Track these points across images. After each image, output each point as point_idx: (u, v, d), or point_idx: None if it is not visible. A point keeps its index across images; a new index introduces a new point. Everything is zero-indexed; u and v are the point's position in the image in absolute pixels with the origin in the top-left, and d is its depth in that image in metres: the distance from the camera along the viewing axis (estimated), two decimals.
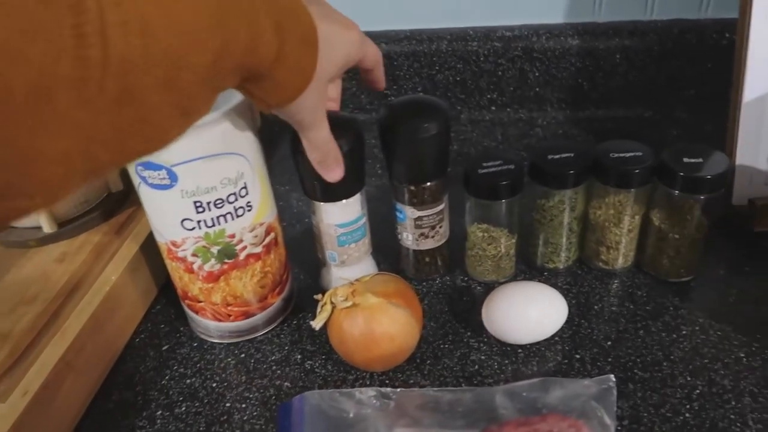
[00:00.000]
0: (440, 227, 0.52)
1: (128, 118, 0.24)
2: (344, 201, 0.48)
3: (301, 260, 0.57)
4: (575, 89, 0.75)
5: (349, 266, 0.52)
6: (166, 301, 0.55)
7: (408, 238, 0.52)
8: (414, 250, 0.53)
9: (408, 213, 0.50)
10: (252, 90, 0.34)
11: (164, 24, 0.24)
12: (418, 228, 0.51)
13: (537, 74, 0.75)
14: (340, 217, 0.49)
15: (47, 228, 0.55)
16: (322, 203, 0.48)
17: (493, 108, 0.78)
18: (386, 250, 0.56)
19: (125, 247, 0.53)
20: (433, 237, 0.52)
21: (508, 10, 0.74)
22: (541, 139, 0.73)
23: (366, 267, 0.54)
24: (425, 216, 0.50)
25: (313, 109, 0.39)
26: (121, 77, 0.23)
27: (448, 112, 0.48)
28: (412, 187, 0.49)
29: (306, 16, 0.35)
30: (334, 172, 0.44)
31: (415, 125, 0.46)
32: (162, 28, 0.24)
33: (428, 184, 0.49)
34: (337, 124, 0.43)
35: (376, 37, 0.76)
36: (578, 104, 0.76)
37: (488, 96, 0.78)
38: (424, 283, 0.54)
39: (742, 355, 0.44)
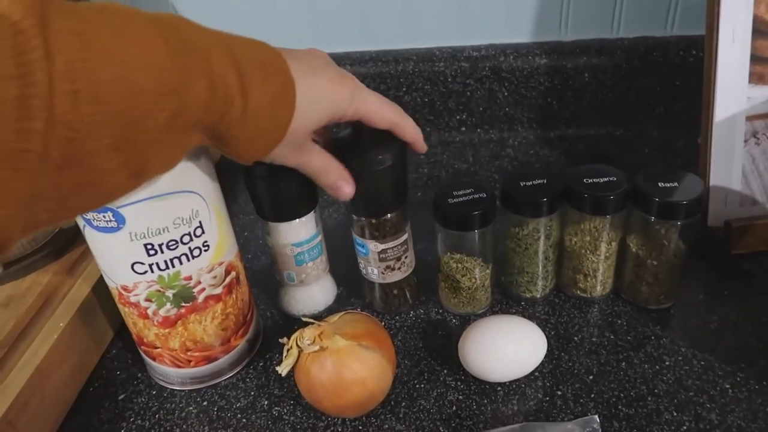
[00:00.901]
0: (405, 257, 0.50)
1: (72, 181, 0.24)
2: (298, 220, 0.47)
3: (270, 294, 0.54)
4: (545, 108, 0.74)
5: (308, 285, 0.51)
6: (123, 345, 0.51)
7: (373, 272, 0.49)
8: (380, 284, 0.51)
9: (371, 247, 0.48)
10: (221, 146, 0.33)
11: (117, 89, 0.24)
12: (383, 261, 0.49)
13: (506, 94, 0.74)
14: (296, 236, 0.48)
15: None
16: (276, 223, 0.47)
17: (463, 129, 0.77)
18: (352, 284, 0.54)
19: (76, 289, 0.50)
20: (399, 269, 0.50)
21: (474, 29, 0.73)
22: (512, 159, 0.72)
23: (324, 285, 0.53)
24: (389, 248, 0.48)
25: (293, 155, 0.38)
26: (66, 145, 0.22)
27: (403, 141, 0.44)
28: (373, 221, 0.47)
29: (282, 72, 0.33)
30: (342, 190, 0.41)
31: (370, 157, 0.43)
32: (114, 94, 0.24)
33: (389, 216, 0.47)
34: None
35: (340, 58, 0.74)
36: (549, 124, 0.75)
37: (457, 117, 0.76)
38: (397, 318, 0.51)
39: (728, 386, 0.43)
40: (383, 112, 0.41)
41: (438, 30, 0.73)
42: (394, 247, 0.48)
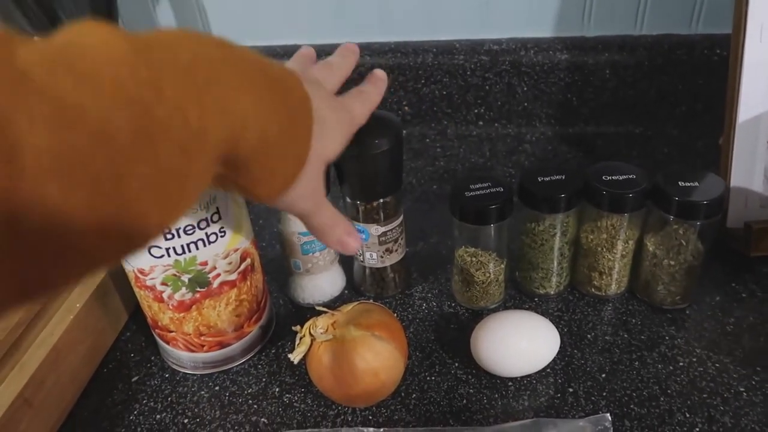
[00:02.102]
0: (401, 239, 0.51)
1: (34, 254, 0.19)
2: None
3: (282, 282, 0.55)
4: (564, 104, 0.74)
5: (315, 274, 0.51)
6: (137, 327, 0.52)
7: (372, 257, 0.50)
8: (375, 269, 0.51)
9: (372, 231, 0.48)
10: (236, 181, 0.29)
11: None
12: (383, 244, 0.49)
13: (525, 89, 0.73)
14: (302, 225, 0.47)
15: None
16: (284, 211, 0.46)
17: (481, 123, 0.76)
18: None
19: None
20: (396, 250, 0.51)
21: (496, 23, 0.72)
22: (530, 155, 0.71)
23: (332, 276, 0.53)
24: (389, 230, 0.49)
25: (312, 197, 0.34)
26: (8, 214, 0.17)
27: (399, 125, 0.46)
28: (374, 204, 0.47)
29: (298, 91, 0.30)
30: (349, 246, 0.37)
31: (370, 141, 0.43)
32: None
33: (389, 198, 0.47)
34: None
35: (360, 49, 0.74)
36: (567, 120, 0.74)
37: (475, 111, 0.75)
38: (409, 310, 0.51)
39: (742, 389, 0.42)
40: (371, 107, 0.41)
41: (458, 22, 0.73)
42: (393, 228, 0.49)
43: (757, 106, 0.51)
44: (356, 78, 0.76)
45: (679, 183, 0.45)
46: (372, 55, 0.74)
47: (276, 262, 0.56)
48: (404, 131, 0.77)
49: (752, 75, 0.50)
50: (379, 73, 0.43)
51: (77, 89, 0.19)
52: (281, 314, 0.53)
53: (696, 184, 0.45)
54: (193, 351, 0.46)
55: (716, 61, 0.68)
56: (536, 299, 0.51)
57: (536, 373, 0.44)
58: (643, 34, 0.71)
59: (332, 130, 0.35)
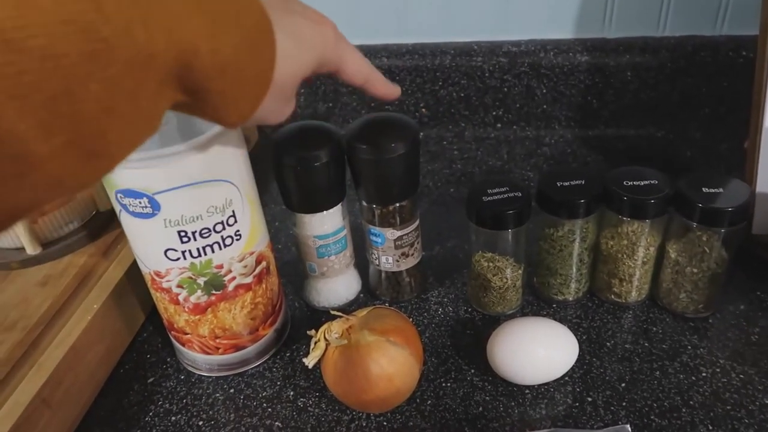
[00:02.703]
0: (417, 243, 0.50)
1: None
2: (323, 213, 0.47)
3: (298, 285, 0.55)
4: (584, 107, 0.72)
5: (330, 278, 0.51)
6: (154, 329, 0.52)
7: (388, 261, 0.49)
8: (390, 273, 0.51)
9: (387, 235, 0.48)
10: (200, 110, 0.28)
11: (20, 51, 0.19)
12: (398, 248, 0.49)
13: (544, 91, 0.72)
14: (319, 229, 0.48)
15: (30, 250, 0.52)
16: (300, 214, 0.47)
17: (499, 125, 0.75)
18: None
19: (111, 271, 0.51)
20: (413, 255, 0.50)
21: (515, 24, 0.71)
22: (548, 158, 0.70)
23: (347, 279, 0.53)
24: (405, 234, 0.48)
25: (281, 111, 0.34)
26: None
27: (416, 129, 0.46)
28: (390, 208, 0.47)
29: (255, 10, 0.29)
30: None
31: (385, 145, 0.43)
32: (19, 60, 0.19)
33: (405, 202, 0.47)
34: (320, 133, 0.45)
35: (377, 50, 0.74)
36: (587, 123, 0.73)
37: (494, 113, 0.75)
38: (425, 314, 0.51)
39: None
40: (362, 63, 0.39)
41: (477, 24, 0.72)
42: (409, 232, 0.49)
43: None
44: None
45: (703, 189, 0.44)
46: (390, 57, 0.73)
47: (292, 265, 0.56)
48: (421, 134, 0.77)
49: None
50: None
51: (19, 12, 0.19)
52: (297, 317, 0.52)
53: (720, 190, 0.44)
54: (208, 353, 0.46)
55: (741, 63, 0.66)
56: (554, 306, 0.51)
57: (554, 381, 0.44)
58: (666, 35, 0.69)
59: (306, 44, 0.33)
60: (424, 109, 0.76)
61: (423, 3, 0.72)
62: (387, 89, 0.41)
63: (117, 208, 0.40)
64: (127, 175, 0.37)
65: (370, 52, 0.74)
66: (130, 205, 0.38)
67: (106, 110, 0.22)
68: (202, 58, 0.25)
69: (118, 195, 0.38)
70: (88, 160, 0.22)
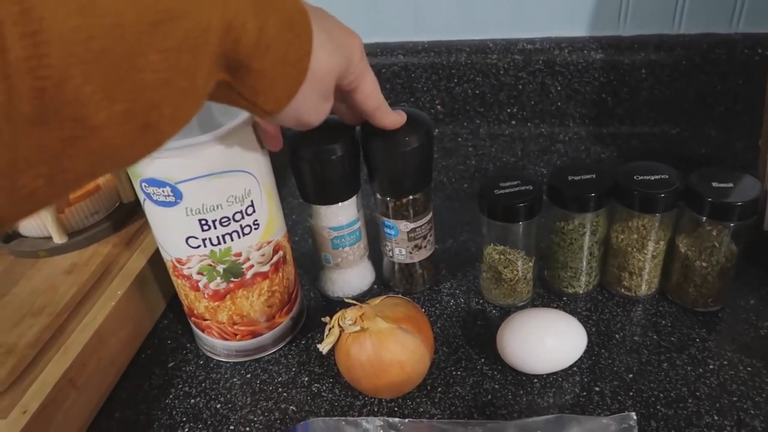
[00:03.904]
0: (430, 236, 0.52)
1: (58, 137, 0.20)
2: (338, 204, 0.48)
3: (314, 276, 0.56)
4: (599, 104, 0.73)
5: (344, 269, 0.53)
6: (174, 316, 0.54)
7: (401, 252, 0.51)
8: (404, 265, 0.52)
9: (401, 227, 0.49)
10: (240, 92, 0.29)
11: (90, 21, 0.20)
12: (411, 240, 0.50)
13: (559, 88, 0.73)
14: (334, 220, 0.49)
15: (57, 239, 0.54)
16: (316, 206, 0.49)
17: (513, 122, 0.76)
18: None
19: (134, 260, 0.52)
20: (425, 247, 0.51)
21: (529, 22, 0.72)
22: (562, 155, 0.71)
23: (361, 271, 0.54)
24: (419, 227, 0.50)
25: (317, 110, 0.35)
26: (35, 96, 0.19)
27: (430, 122, 0.47)
28: (403, 200, 0.48)
29: (290, 2, 0.30)
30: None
31: (399, 139, 0.44)
32: (87, 28, 0.20)
33: (418, 195, 0.48)
34: (336, 127, 0.45)
35: (393, 48, 0.75)
36: (602, 120, 0.74)
37: (508, 110, 0.76)
38: (437, 305, 0.52)
39: None
40: (377, 88, 0.40)
41: (492, 22, 0.73)
42: (422, 225, 0.50)
43: None
44: (390, 77, 0.77)
45: (713, 184, 0.44)
46: (406, 54, 0.75)
47: (308, 256, 0.57)
48: (436, 130, 0.78)
49: None
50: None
51: None
52: (312, 307, 0.54)
53: (731, 185, 0.44)
54: (226, 339, 0.48)
55: (757, 60, 0.66)
56: (565, 298, 0.51)
57: (562, 371, 0.44)
58: (681, 33, 0.70)
59: (339, 44, 0.34)
60: (439, 106, 0.77)
61: (439, 1, 0.73)
62: (395, 119, 0.43)
63: (141, 197, 0.41)
64: (151, 165, 0.39)
65: (386, 49, 0.75)
66: (153, 193, 0.40)
67: (164, 82, 0.23)
68: (249, 34, 0.26)
69: (143, 184, 0.40)
70: (142, 132, 0.23)
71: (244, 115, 0.40)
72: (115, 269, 0.52)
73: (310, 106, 0.34)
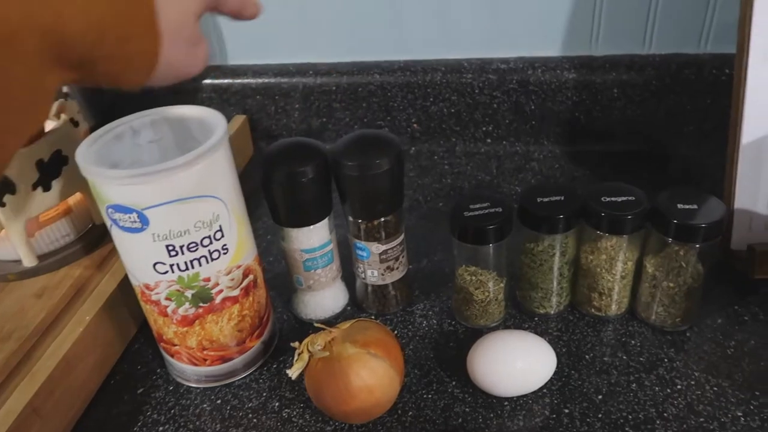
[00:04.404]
0: (403, 257, 0.52)
1: None
2: (310, 227, 0.49)
3: (288, 298, 0.56)
4: (572, 123, 0.74)
5: (317, 291, 0.52)
6: (145, 340, 0.53)
7: (374, 274, 0.51)
8: (376, 286, 0.52)
9: (373, 249, 0.49)
10: (92, 81, 0.27)
11: None
12: (384, 262, 0.50)
13: (533, 107, 0.74)
14: (305, 243, 0.49)
15: (27, 262, 0.53)
16: (288, 228, 0.49)
17: (489, 141, 0.77)
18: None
19: (104, 284, 0.52)
20: (398, 268, 0.51)
21: (503, 42, 0.73)
22: (537, 173, 0.72)
23: (334, 292, 0.54)
24: (390, 249, 0.50)
25: (190, 57, 0.32)
26: None
27: (400, 144, 0.47)
28: (375, 222, 0.48)
29: None
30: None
31: (369, 162, 0.45)
32: None
33: (390, 216, 0.48)
34: (307, 150, 0.46)
35: (370, 67, 0.75)
36: (575, 138, 0.75)
37: (483, 128, 0.76)
38: (410, 327, 0.52)
39: (740, 413, 0.42)
40: None
41: (467, 41, 0.74)
42: (395, 246, 0.50)
43: (761, 127, 0.51)
44: (366, 96, 0.77)
45: (679, 205, 0.45)
46: (382, 73, 0.75)
47: (282, 278, 0.57)
48: (413, 148, 0.78)
49: (756, 96, 0.50)
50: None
51: None
52: (285, 330, 0.54)
53: (695, 206, 0.45)
54: (196, 365, 0.47)
55: (724, 80, 0.68)
56: (536, 318, 0.52)
57: (532, 393, 0.45)
58: (652, 53, 0.71)
59: None
60: (415, 125, 0.78)
61: (416, 21, 0.73)
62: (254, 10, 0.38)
63: (108, 222, 0.41)
64: (117, 191, 0.39)
65: (363, 68, 0.76)
66: (120, 219, 0.40)
67: None
68: (71, 24, 0.24)
69: (109, 210, 0.40)
70: None
71: (214, 137, 0.40)
72: (86, 292, 0.52)
73: (182, 61, 0.31)
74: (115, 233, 0.41)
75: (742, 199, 0.52)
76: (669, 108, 0.71)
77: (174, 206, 0.39)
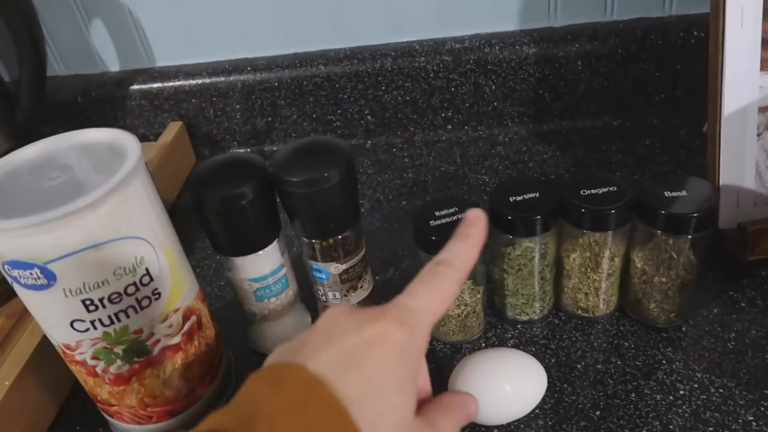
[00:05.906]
0: (366, 274, 0.46)
1: None
2: (256, 253, 0.42)
3: (245, 328, 0.50)
4: (536, 101, 0.69)
5: (274, 320, 0.47)
6: (83, 397, 0.46)
7: (335, 297, 0.45)
8: None
9: (331, 270, 0.44)
10: None
11: None
12: (345, 282, 0.44)
13: (493, 88, 0.68)
14: (254, 271, 0.43)
15: None
16: (231, 258, 0.43)
17: (449, 127, 0.71)
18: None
19: (24, 341, 0.45)
20: (362, 287, 0.46)
21: (456, 20, 0.67)
22: (504, 158, 0.67)
23: (295, 318, 0.48)
24: (351, 267, 0.44)
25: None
26: None
27: (349, 151, 0.41)
28: (330, 241, 0.42)
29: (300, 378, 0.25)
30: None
31: (317, 175, 0.39)
32: None
33: (347, 233, 0.43)
34: (243, 167, 0.41)
35: (314, 58, 0.69)
36: (541, 117, 0.70)
37: (442, 114, 0.71)
38: None
39: (751, 418, 0.38)
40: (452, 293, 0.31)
41: (417, 22, 0.68)
42: (356, 264, 0.44)
43: (743, 96, 0.46)
44: (312, 89, 0.70)
45: (665, 193, 0.40)
46: (327, 64, 0.69)
47: (236, 307, 0.51)
48: (368, 141, 0.72)
49: (735, 64, 0.46)
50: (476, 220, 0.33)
51: None
52: (243, 366, 0.48)
53: (683, 192, 0.40)
54: (141, 423, 0.41)
55: (693, 44, 0.63)
56: (519, 326, 0.47)
57: (524, 417, 0.40)
58: (614, 19, 0.66)
59: (383, 395, 0.26)
60: (369, 116, 0.71)
61: (359, 5, 0.67)
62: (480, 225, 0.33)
63: (8, 280, 0.34)
64: (12, 245, 0.32)
65: (306, 59, 0.69)
66: (20, 277, 0.33)
67: None
68: None
69: (6, 267, 0.33)
70: None
71: (123, 170, 0.33)
72: (5, 353, 0.45)
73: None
74: (20, 292, 0.35)
75: (727, 175, 0.48)
76: (637, 77, 0.66)
77: (84, 255, 0.32)
